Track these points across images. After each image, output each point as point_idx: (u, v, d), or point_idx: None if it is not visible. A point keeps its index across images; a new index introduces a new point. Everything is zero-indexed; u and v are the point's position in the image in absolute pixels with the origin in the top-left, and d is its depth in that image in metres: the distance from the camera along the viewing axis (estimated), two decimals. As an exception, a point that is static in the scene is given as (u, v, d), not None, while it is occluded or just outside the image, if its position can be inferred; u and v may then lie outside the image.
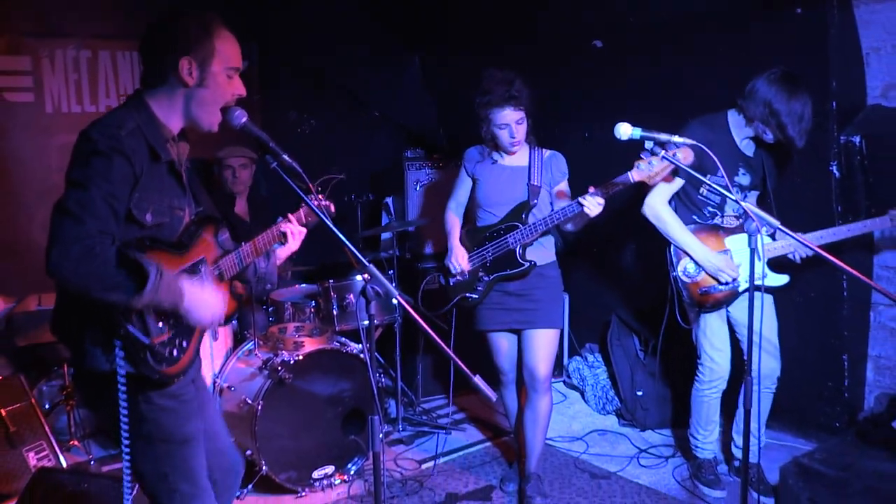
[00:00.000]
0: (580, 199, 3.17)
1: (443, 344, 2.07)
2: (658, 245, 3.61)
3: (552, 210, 3.41)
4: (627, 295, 4.95)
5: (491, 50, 5.07)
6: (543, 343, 3.49)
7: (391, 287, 2.17)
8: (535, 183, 3.44)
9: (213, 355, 3.91)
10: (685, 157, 2.87)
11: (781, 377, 3.63)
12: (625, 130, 2.79)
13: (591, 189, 3.15)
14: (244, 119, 2.21)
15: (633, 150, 2.90)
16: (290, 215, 2.66)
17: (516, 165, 3.50)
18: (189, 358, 2.21)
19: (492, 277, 3.48)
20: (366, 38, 5.64)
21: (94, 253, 1.89)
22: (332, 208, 2.83)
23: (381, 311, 4.31)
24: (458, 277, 3.55)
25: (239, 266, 2.44)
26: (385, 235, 5.13)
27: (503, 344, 3.62)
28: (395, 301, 4.29)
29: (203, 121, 2.17)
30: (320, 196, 2.79)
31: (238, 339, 4.17)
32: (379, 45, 5.73)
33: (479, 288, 3.52)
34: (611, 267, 4.90)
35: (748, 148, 3.51)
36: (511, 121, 3.37)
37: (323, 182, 3.05)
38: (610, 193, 3.16)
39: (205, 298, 2.12)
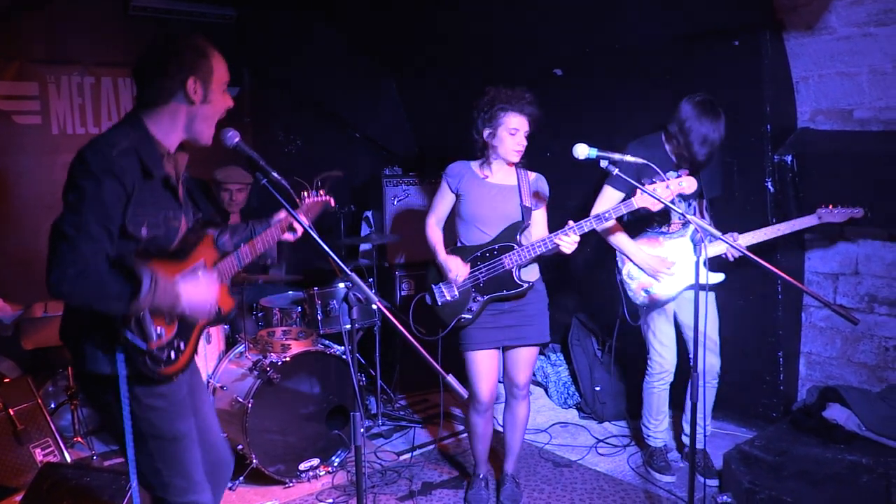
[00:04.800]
0: (555, 236, 3.06)
1: (418, 345, 2.08)
2: (612, 252, 3.65)
3: (536, 241, 3.15)
4: (586, 299, 4.97)
5: (462, 73, 5.09)
6: (530, 357, 3.36)
7: (371, 293, 2.18)
8: (527, 204, 3.26)
9: (206, 357, 3.88)
10: (689, 185, 2.91)
11: (724, 372, 3.68)
12: (582, 151, 2.82)
13: (567, 226, 3.05)
14: (237, 139, 2.22)
15: (591, 167, 2.92)
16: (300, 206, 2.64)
17: (505, 184, 3.29)
18: (186, 359, 2.21)
19: (486, 298, 3.24)
20: (346, 64, 5.65)
21: (89, 272, 1.88)
22: (333, 202, 2.82)
23: (361, 316, 4.30)
24: (448, 299, 3.28)
25: (238, 266, 2.42)
26: (365, 246, 5.12)
27: (487, 364, 3.31)
28: (374, 306, 4.28)
29: (204, 135, 2.17)
30: (321, 192, 2.78)
31: (230, 343, 4.14)
32: (358, 69, 5.73)
33: (473, 308, 3.25)
34: (571, 273, 4.94)
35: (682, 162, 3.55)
36: (522, 129, 3.20)
37: (323, 178, 2.93)
38: (615, 218, 3.13)
39: (199, 292, 2.10)
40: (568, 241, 3.04)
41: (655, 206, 3.01)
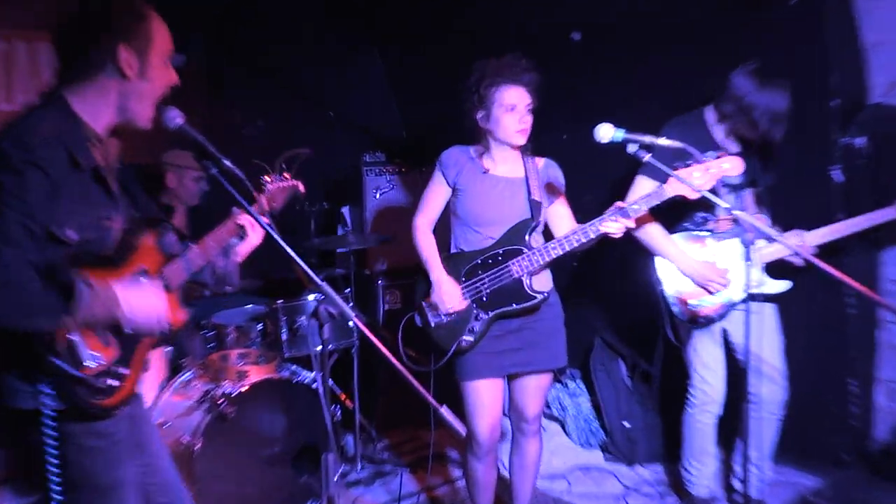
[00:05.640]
0: (600, 221, 3.04)
1: (405, 371, 2.07)
2: (645, 256, 3.64)
3: (568, 233, 3.13)
4: (612, 313, 4.97)
5: (459, 41, 5.08)
6: (542, 384, 3.35)
7: (347, 308, 2.18)
8: (537, 198, 3.25)
9: (143, 387, 3.86)
10: (733, 167, 2.90)
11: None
12: (606, 132, 2.83)
13: (615, 207, 3.04)
14: (180, 120, 2.23)
15: (615, 153, 2.92)
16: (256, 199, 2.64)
17: (511, 177, 3.30)
18: (129, 388, 2.20)
19: (491, 315, 3.22)
20: (319, 28, 5.66)
21: (11, 282, 1.88)
22: (302, 188, 2.81)
23: (336, 335, 4.29)
24: (444, 318, 3.24)
25: (187, 271, 2.44)
26: (340, 249, 5.11)
27: (489, 396, 3.28)
28: (351, 323, 4.27)
29: (140, 116, 2.17)
30: (286, 175, 2.77)
31: (174, 369, 4.12)
32: (333, 35, 5.75)
33: (476, 328, 3.21)
34: (593, 282, 4.93)
35: (731, 145, 3.56)
36: (521, 102, 3.19)
37: (288, 159, 2.92)
38: (641, 212, 3.06)
39: (144, 299, 2.09)
40: (616, 227, 3.02)
41: (693, 196, 3.00)
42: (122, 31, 2.07)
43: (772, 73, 3.33)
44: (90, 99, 2.10)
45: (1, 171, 1.92)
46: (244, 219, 2.57)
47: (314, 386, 3.81)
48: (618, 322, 4.93)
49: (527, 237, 3.21)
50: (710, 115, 3.54)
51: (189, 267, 2.44)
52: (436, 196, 3.38)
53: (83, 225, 2.05)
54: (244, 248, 2.64)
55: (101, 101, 2.11)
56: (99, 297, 1.97)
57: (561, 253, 3.12)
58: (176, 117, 2.22)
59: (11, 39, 4.71)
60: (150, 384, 3.91)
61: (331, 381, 4.64)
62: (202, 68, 5.40)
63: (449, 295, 3.22)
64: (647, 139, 2.83)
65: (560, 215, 3.36)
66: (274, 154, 5.51)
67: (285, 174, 2.78)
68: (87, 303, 1.94)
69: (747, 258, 2.80)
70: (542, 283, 3.29)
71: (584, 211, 3.35)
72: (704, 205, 3.55)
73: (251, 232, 2.58)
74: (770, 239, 2.83)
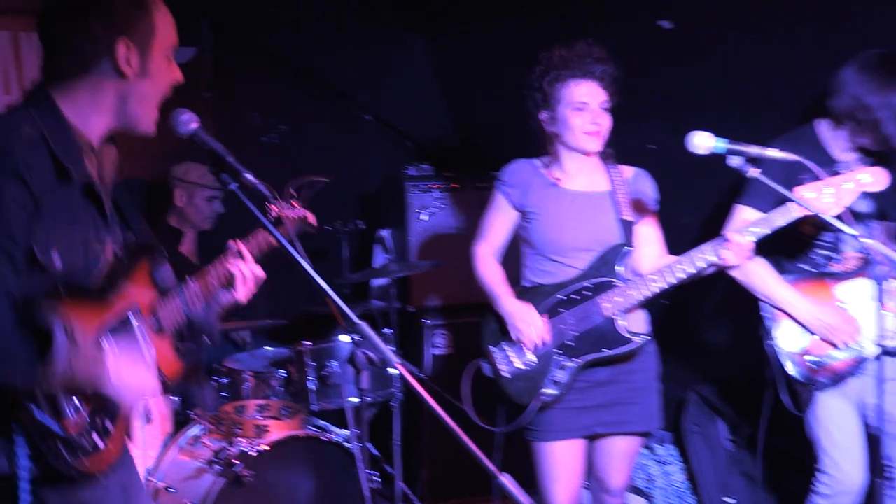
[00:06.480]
0: (717, 246, 3.03)
1: (458, 430, 2.07)
2: (751, 298, 3.59)
3: (673, 262, 3.12)
4: (712, 364, 4.91)
5: (524, 30, 5.10)
6: (631, 450, 3.34)
7: (389, 352, 2.17)
8: (628, 217, 3.24)
9: (144, 443, 3.90)
10: (876, 179, 2.88)
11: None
12: (702, 142, 2.81)
13: (730, 232, 3.03)
14: (194, 125, 2.21)
15: (712, 165, 2.90)
16: (240, 244, 2.57)
17: (593, 191, 3.30)
18: (116, 446, 2.20)
19: (579, 363, 3.21)
20: (352, 14, 5.68)
21: None
22: (312, 219, 2.82)
23: (374, 385, 4.26)
24: (520, 367, 3.24)
25: (185, 311, 2.42)
26: (379, 281, 5.13)
27: (569, 461, 3.28)
28: (393, 371, 4.28)
29: (143, 121, 2.18)
30: (294, 203, 2.77)
31: (179, 422, 4.15)
32: (371, 22, 5.76)
33: (561, 380, 3.19)
34: (687, 326, 4.89)
35: (853, 162, 3.49)
36: (594, 100, 3.19)
37: (300, 186, 2.95)
38: (757, 237, 3.04)
39: (134, 370, 2.09)
40: (734, 254, 2.98)
41: (826, 215, 2.93)
42: (122, 22, 2.08)
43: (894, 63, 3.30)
44: (82, 100, 2.11)
45: None
46: (236, 265, 2.51)
47: (348, 446, 3.83)
48: (716, 374, 4.87)
49: (618, 265, 3.20)
50: (823, 127, 3.50)
51: (187, 307, 2.43)
52: (499, 223, 3.40)
53: (68, 248, 2.04)
54: (225, 299, 2.55)
55: (96, 103, 2.12)
56: (81, 356, 1.95)
57: (664, 287, 3.11)
58: (189, 121, 2.20)
59: (19, 27, 4.76)
60: (150, 440, 3.96)
61: (368, 442, 4.65)
62: (209, 63, 5.44)
63: (529, 323, 3.19)
64: (754, 150, 2.81)
65: (647, 239, 3.34)
66: (298, 164, 5.59)
67: (293, 202, 2.79)
68: (65, 359, 1.91)
69: (880, 301, 2.75)
70: (638, 324, 3.27)
71: (681, 237, 3.32)
72: (825, 241, 3.51)
73: (240, 286, 2.50)
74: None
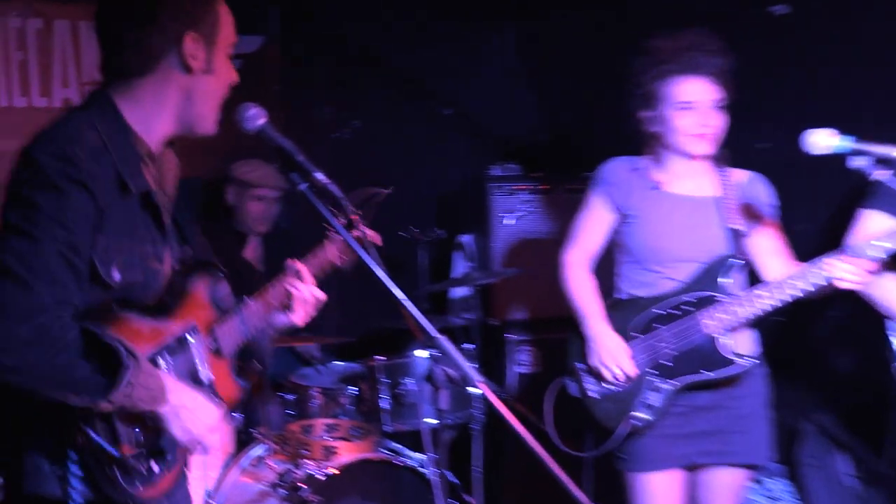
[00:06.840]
0: (830, 262, 2.95)
1: (547, 457, 2.08)
2: (875, 318, 3.53)
3: (785, 277, 3.08)
4: (831, 390, 4.84)
5: (623, 17, 5.09)
6: (736, 483, 3.32)
7: (470, 369, 2.19)
8: (737, 226, 3.21)
9: (204, 464, 3.97)
10: None
11: None
12: (823, 141, 2.78)
13: (848, 246, 2.96)
14: (262, 121, 2.23)
15: (832, 168, 2.87)
16: (298, 263, 2.59)
17: (698, 196, 3.28)
18: (175, 475, 2.24)
19: (676, 385, 3.21)
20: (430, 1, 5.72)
21: (51, 336, 1.90)
22: (378, 240, 2.84)
23: (454, 405, 4.28)
24: (611, 388, 3.24)
25: (244, 333, 2.45)
26: (461, 291, 5.16)
27: (666, 494, 3.29)
28: (475, 390, 4.30)
29: (205, 120, 2.23)
30: (355, 218, 2.79)
31: (242, 441, 4.22)
32: (454, 7, 5.79)
33: (654, 403, 3.20)
34: (804, 346, 4.83)
35: None
36: (702, 98, 3.16)
37: (362, 200, 2.91)
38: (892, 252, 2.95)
39: (196, 402, 2.14)
40: (847, 272, 2.91)
41: None
42: (190, 15, 2.12)
43: None
44: (145, 100, 2.15)
45: (37, 188, 1.95)
46: (294, 286, 2.53)
47: (424, 472, 3.86)
48: (836, 402, 4.80)
49: (722, 279, 3.17)
50: None
51: (246, 329, 2.45)
52: (594, 225, 3.39)
53: (127, 263, 2.09)
54: (282, 323, 2.58)
55: (159, 103, 2.16)
56: (145, 381, 1.99)
57: (775, 304, 3.07)
58: (257, 116, 2.22)
59: (49, 17, 4.83)
60: (210, 460, 4.02)
61: (446, 468, 4.67)
62: (278, 53, 5.50)
63: (612, 355, 3.20)
64: (881, 150, 2.76)
65: (766, 250, 3.29)
66: (372, 164, 5.63)
67: (354, 217, 2.81)
68: (131, 386, 1.94)
69: None
70: (745, 345, 3.24)
71: (796, 246, 3.29)
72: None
73: (298, 308, 2.53)
74: None
